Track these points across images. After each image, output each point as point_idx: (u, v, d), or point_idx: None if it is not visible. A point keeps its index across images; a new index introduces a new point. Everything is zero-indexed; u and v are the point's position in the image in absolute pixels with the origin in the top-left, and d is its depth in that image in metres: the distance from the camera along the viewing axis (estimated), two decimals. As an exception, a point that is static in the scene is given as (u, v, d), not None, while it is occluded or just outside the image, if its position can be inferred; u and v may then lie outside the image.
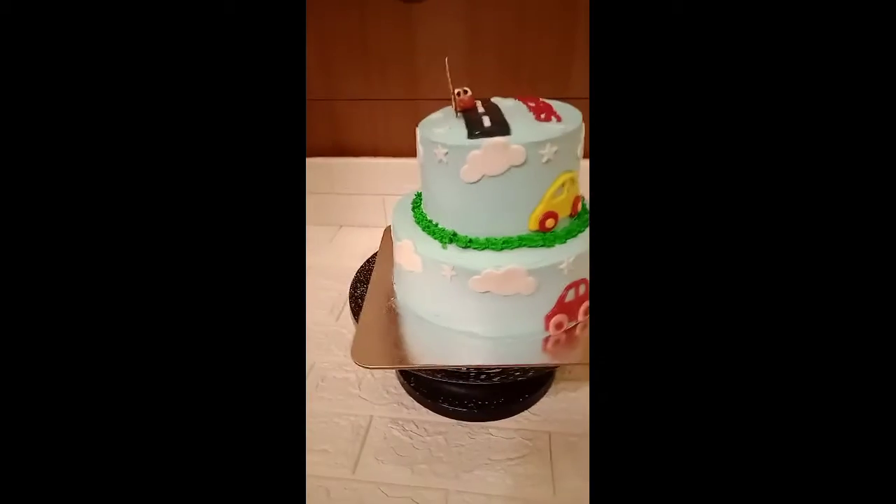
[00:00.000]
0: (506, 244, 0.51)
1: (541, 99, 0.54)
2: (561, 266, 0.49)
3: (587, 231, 0.53)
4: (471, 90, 0.52)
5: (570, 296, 0.52)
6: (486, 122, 0.48)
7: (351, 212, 1.03)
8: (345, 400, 0.62)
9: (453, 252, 0.52)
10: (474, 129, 0.48)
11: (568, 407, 0.60)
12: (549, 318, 0.52)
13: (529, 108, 0.51)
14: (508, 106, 0.52)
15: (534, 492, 0.51)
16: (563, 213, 0.52)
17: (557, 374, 0.64)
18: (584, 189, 0.49)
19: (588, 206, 0.56)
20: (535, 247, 0.51)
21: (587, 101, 0.95)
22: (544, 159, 0.47)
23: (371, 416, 0.60)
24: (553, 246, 0.51)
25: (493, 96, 0.55)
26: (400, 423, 0.59)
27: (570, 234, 0.52)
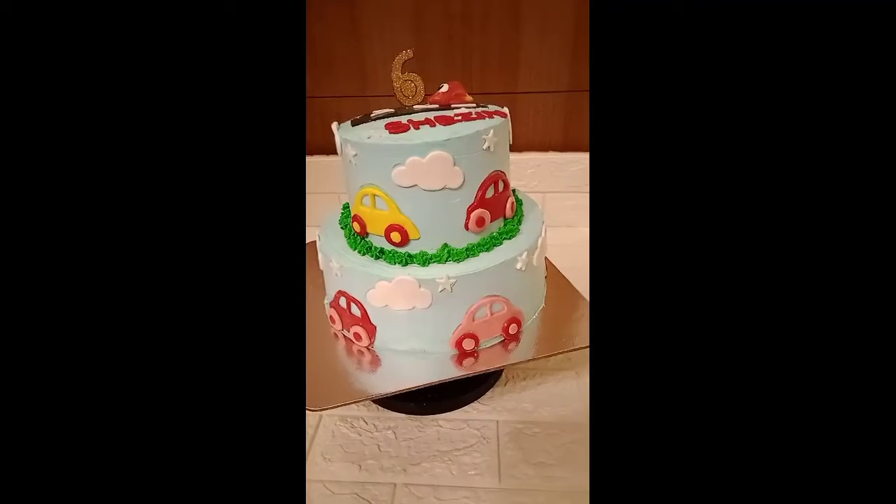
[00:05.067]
0: (344, 225, 0.56)
1: (488, 108, 0.52)
2: (331, 264, 0.52)
3: (388, 269, 0.49)
4: (448, 86, 0.54)
5: (356, 311, 0.53)
6: (377, 114, 0.51)
7: (308, 210, 1.02)
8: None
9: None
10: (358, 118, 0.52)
11: (517, 395, 0.61)
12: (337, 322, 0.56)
13: (436, 117, 0.49)
14: (452, 109, 0.52)
15: (480, 480, 0.52)
16: (373, 228, 0.50)
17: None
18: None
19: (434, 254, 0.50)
20: (348, 237, 0.54)
21: (536, 95, 0.95)
22: (348, 159, 0.49)
23: (320, 416, 0.60)
24: (355, 250, 0.52)
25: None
26: (349, 420, 0.59)
27: (370, 251, 0.50)
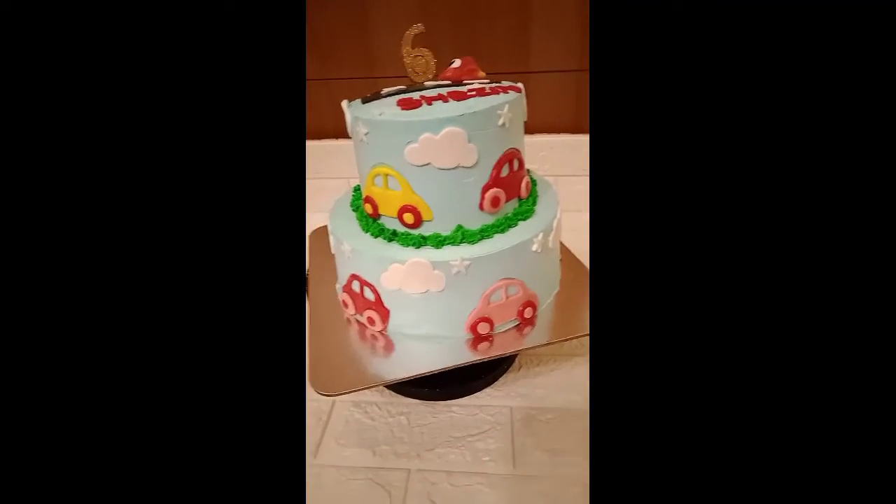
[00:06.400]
0: (355, 207, 0.55)
1: (502, 83, 0.50)
2: (343, 247, 0.52)
3: (387, 249, 0.48)
4: (460, 62, 0.52)
5: (369, 294, 0.52)
6: (388, 91, 0.50)
7: (316, 196, 1.01)
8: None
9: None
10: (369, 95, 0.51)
11: (530, 381, 0.60)
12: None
13: (449, 93, 0.47)
14: (465, 85, 0.50)
15: (494, 466, 0.51)
16: (386, 210, 0.49)
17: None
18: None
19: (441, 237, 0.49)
20: (360, 219, 0.53)
21: (546, 75, 0.93)
22: (359, 137, 0.48)
23: (333, 401, 0.59)
24: (367, 232, 0.51)
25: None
26: (362, 406, 0.58)
27: (383, 233, 0.50)
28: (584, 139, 0.90)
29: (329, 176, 0.98)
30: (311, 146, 0.95)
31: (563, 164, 0.92)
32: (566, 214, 0.57)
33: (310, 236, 0.74)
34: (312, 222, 0.91)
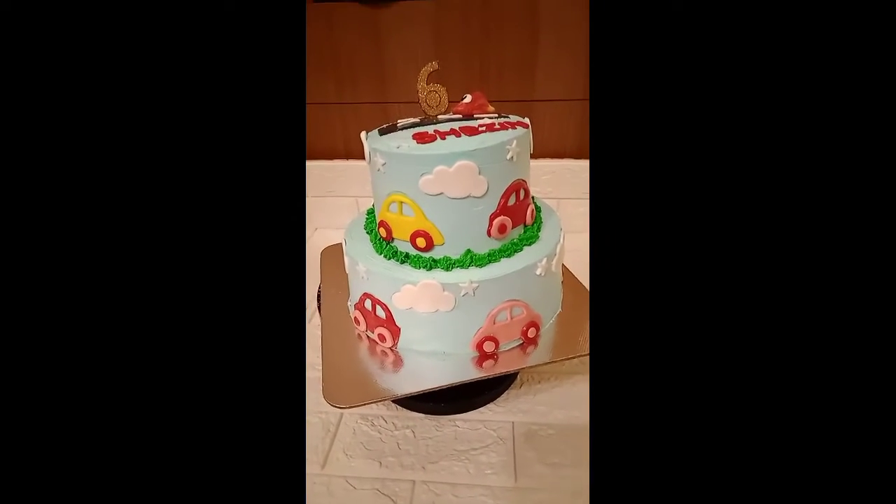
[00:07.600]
0: (369, 230, 0.58)
1: (506, 119, 0.53)
2: (357, 267, 0.54)
3: (402, 271, 0.51)
4: (471, 97, 0.55)
5: (381, 313, 0.54)
6: (403, 124, 0.53)
7: (326, 213, 1.04)
8: (316, 398, 0.64)
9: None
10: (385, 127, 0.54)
11: (532, 398, 0.63)
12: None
13: (461, 128, 0.50)
14: (476, 119, 0.53)
15: (496, 479, 0.53)
16: (399, 234, 0.52)
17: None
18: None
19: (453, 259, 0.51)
20: (374, 242, 0.56)
21: (552, 103, 0.97)
22: (377, 167, 0.51)
23: (341, 414, 0.61)
24: (381, 254, 0.54)
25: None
26: (369, 419, 0.61)
27: (396, 255, 0.52)
28: (587, 164, 0.94)
29: (339, 195, 1.01)
30: (324, 166, 0.99)
31: (566, 188, 0.95)
32: (568, 235, 0.59)
33: (322, 253, 0.77)
34: (324, 239, 0.95)
